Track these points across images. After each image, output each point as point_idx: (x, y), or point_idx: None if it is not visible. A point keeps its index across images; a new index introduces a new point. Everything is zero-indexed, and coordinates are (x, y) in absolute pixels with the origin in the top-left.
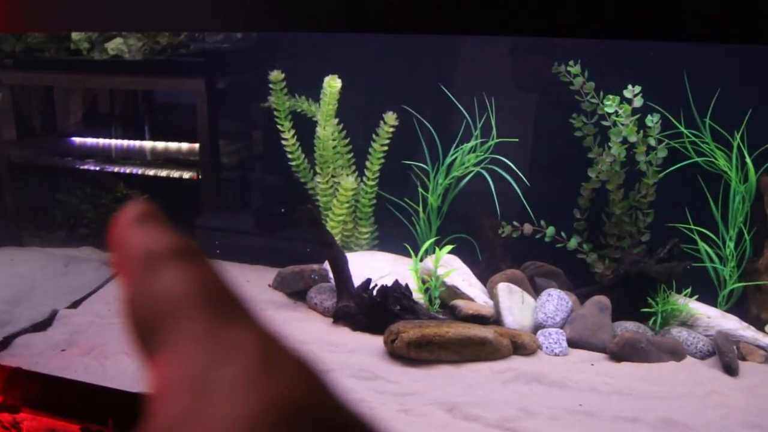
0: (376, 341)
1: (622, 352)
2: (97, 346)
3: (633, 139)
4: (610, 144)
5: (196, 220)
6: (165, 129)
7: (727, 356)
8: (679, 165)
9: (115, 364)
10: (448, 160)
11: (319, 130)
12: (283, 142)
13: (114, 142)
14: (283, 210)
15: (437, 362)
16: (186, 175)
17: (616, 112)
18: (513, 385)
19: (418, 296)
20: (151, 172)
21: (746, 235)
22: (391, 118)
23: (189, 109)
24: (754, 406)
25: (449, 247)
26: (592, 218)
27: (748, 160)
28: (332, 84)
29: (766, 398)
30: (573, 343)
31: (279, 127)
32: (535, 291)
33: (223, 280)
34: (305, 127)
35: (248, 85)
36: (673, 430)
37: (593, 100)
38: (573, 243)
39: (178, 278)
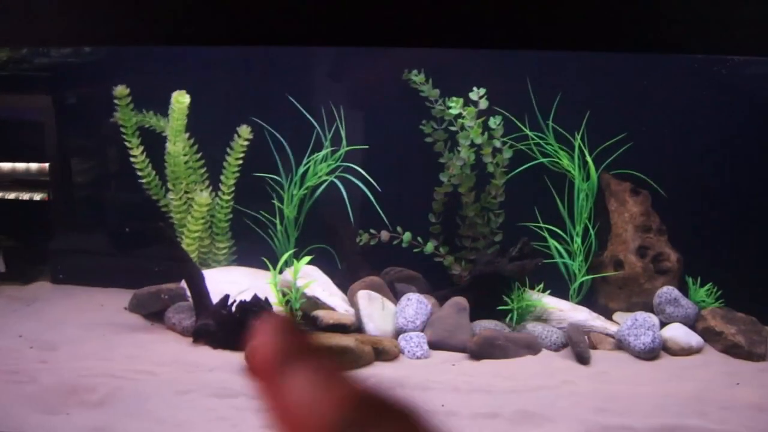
0: (238, 358)
1: (481, 351)
2: None
3: (479, 141)
4: (459, 148)
5: (48, 243)
6: (11, 148)
7: (578, 346)
8: (525, 166)
9: None
10: (302, 170)
11: (169, 145)
12: (132, 159)
13: None
14: (130, 229)
15: None
16: (36, 196)
17: (461, 114)
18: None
19: (278, 309)
20: None
21: (591, 230)
22: (245, 131)
23: (36, 126)
24: (603, 392)
25: (308, 258)
26: (447, 222)
27: (589, 159)
28: (180, 99)
29: (614, 383)
30: (434, 345)
31: (127, 143)
32: (395, 296)
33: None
34: (159, 142)
35: (99, 100)
36: (529, 422)
37: (441, 107)
38: (429, 247)
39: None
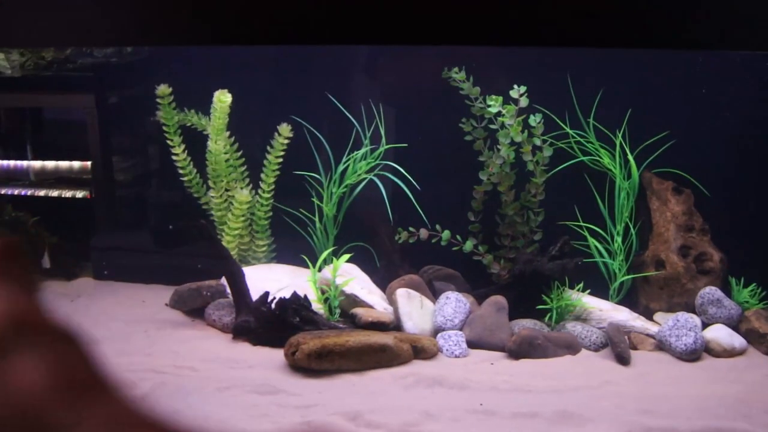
0: (277, 355)
1: (520, 350)
2: None
3: (519, 139)
4: (499, 146)
5: (91, 240)
6: (55, 147)
7: (618, 347)
8: (565, 164)
9: None
10: (341, 168)
11: (210, 144)
12: (174, 158)
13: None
14: (173, 226)
15: (339, 372)
16: (79, 194)
17: (500, 112)
18: (414, 389)
19: (317, 307)
20: (41, 193)
21: (632, 229)
22: (285, 129)
23: (80, 125)
24: (646, 393)
25: (347, 256)
26: (486, 220)
27: (630, 157)
28: (222, 98)
29: (657, 385)
30: (472, 344)
31: (168, 142)
32: (434, 295)
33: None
34: (200, 141)
35: (140, 100)
36: (569, 423)
37: (481, 105)
38: (469, 245)
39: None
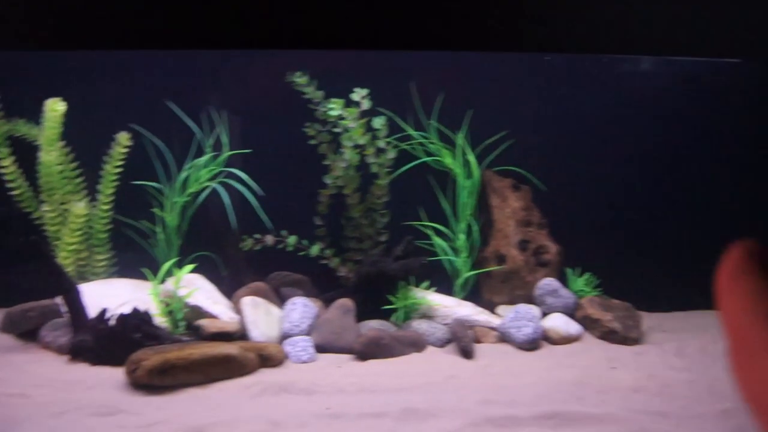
0: (119, 373)
1: (367, 351)
2: None
3: (362, 141)
4: (343, 150)
5: None
6: None
7: (462, 341)
8: (409, 165)
9: None
10: (183, 177)
11: (42, 155)
12: (1, 170)
13: None
14: (3, 244)
15: (184, 386)
16: None
17: (342, 115)
18: (261, 398)
19: (160, 321)
20: None
21: (475, 226)
22: (124, 138)
23: None
24: (488, 384)
25: (190, 267)
26: (333, 224)
27: (470, 157)
28: (54, 107)
29: (499, 375)
30: (320, 348)
31: None
32: (281, 301)
33: None
34: (32, 152)
35: None
36: (414, 419)
37: (324, 108)
38: (315, 249)
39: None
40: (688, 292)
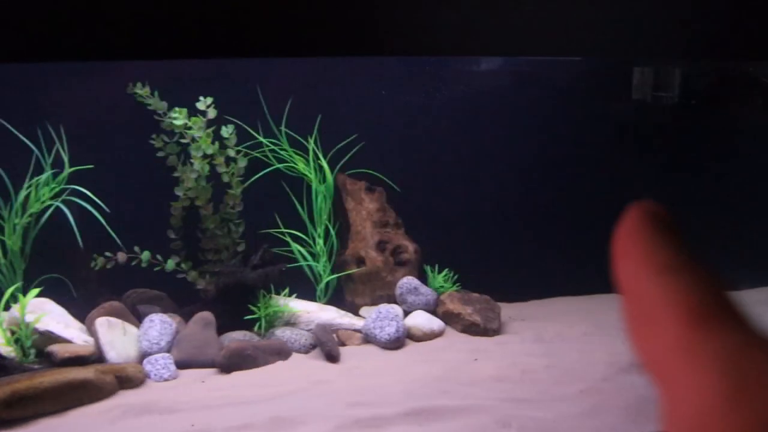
0: None
1: (231, 363)
2: None
3: (210, 151)
4: (192, 160)
5: None
6: None
7: (327, 346)
8: (260, 173)
9: None
10: (22, 196)
11: None
12: None
13: None
14: None
15: (38, 416)
16: None
17: (187, 125)
18: (122, 421)
19: (6, 350)
20: None
21: (332, 230)
22: None
23: None
24: (355, 386)
25: (36, 291)
26: (188, 236)
27: (323, 162)
28: None
29: (365, 377)
30: (182, 364)
31: None
32: (138, 319)
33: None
34: None
35: None
36: (282, 427)
37: (169, 119)
38: (171, 264)
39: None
40: (543, 280)
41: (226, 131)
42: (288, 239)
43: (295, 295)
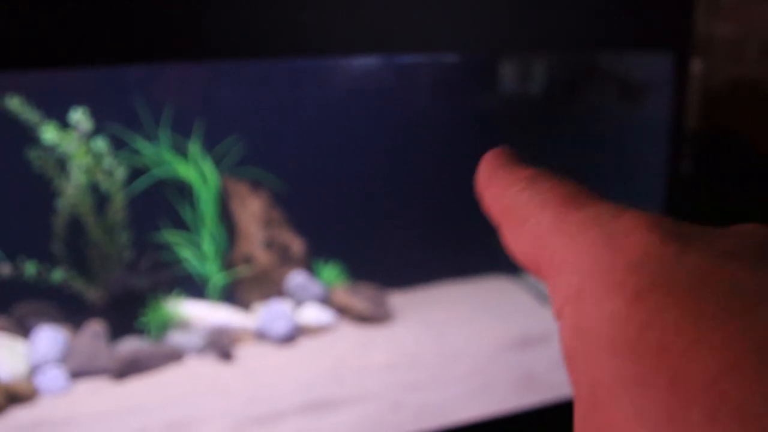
0: None
1: (124, 370)
2: None
3: (86, 162)
4: (69, 171)
5: None
6: None
7: (219, 346)
8: (139, 180)
9: None
10: None
11: None
12: None
13: None
14: None
15: None
16: None
17: (58, 139)
18: None
19: None
20: None
21: (219, 231)
22: None
23: None
24: (250, 384)
25: None
26: (74, 246)
27: (205, 164)
28: None
29: (259, 374)
30: (75, 375)
31: None
32: (27, 333)
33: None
34: None
35: None
36: (179, 431)
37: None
38: (57, 275)
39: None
40: (428, 266)
41: (99, 145)
42: (176, 243)
43: (186, 297)
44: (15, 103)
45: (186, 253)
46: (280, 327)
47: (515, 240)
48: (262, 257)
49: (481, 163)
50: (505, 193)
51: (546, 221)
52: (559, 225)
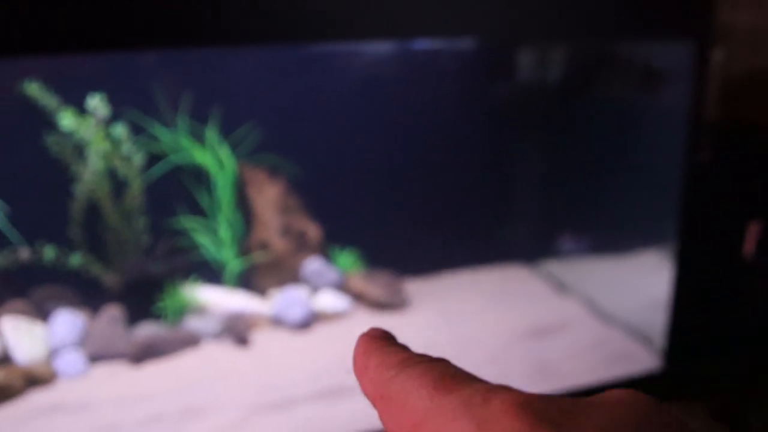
0: None
1: (141, 355)
2: None
3: (104, 148)
4: (87, 157)
5: None
6: None
7: (236, 332)
8: (157, 166)
9: None
10: None
11: None
12: None
13: None
14: None
15: None
16: None
17: (77, 125)
18: (33, 422)
19: None
20: None
21: (236, 218)
22: None
23: None
24: (264, 371)
25: None
26: (92, 232)
27: (222, 150)
28: None
29: (274, 360)
30: (93, 359)
31: None
32: (46, 317)
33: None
34: None
35: None
36: (195, 417)
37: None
38: (75, 260)
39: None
40: (445, 254)
41: (118, 131)
42: (193, 229)
43: (203, 283)
44: (34, 89)
45: (203, 239)
46: (296, 313)
47: (393, 425)
48: (279, 243)
49: (356, 347)
50: (380, 378)
51: (420, 408)
52: (433, 411)
